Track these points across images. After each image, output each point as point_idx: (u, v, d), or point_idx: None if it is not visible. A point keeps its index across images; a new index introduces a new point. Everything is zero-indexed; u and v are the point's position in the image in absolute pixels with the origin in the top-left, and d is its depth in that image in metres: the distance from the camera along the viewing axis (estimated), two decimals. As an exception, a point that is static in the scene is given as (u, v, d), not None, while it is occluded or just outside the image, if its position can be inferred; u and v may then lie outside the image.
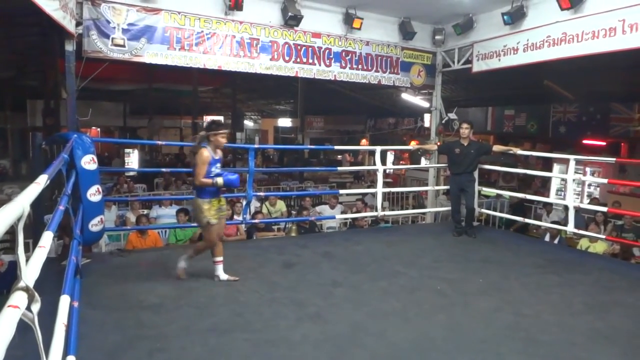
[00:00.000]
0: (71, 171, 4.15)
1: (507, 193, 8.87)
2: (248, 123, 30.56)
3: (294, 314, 3.63)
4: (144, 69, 13.35)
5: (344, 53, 7.44)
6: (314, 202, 10.08)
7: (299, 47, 7.07)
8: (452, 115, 8.24)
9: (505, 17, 6.79)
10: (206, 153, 4.07)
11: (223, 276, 4.29)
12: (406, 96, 14.22)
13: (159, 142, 7.16)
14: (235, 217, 6.96)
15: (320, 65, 7.29)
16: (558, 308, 3.91)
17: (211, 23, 6.39)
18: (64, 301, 2.06)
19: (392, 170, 17.18)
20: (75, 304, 2.68)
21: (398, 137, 19.46)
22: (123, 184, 11.92)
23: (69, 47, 5.46)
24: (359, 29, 7.29)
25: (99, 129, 22.25)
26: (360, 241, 5.90)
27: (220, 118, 22.40)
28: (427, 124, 11.26)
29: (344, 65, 7.47)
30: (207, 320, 3.47)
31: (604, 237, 6.59)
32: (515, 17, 6.74)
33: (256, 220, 6.76)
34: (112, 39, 5.80)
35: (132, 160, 20.40)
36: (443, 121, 8.30)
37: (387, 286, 4.26)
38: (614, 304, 4.07)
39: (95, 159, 4.54)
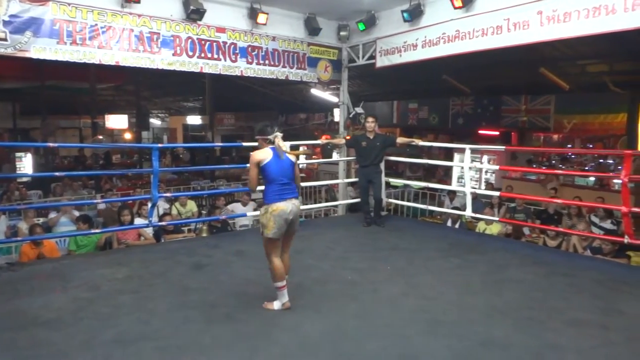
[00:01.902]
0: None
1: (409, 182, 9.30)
2: (155, 121, 29.25)
3: (205, 316, 3.54)
4: (34, 65, 12.21)
5: (250, 48, 7.34)
6: (227, 200, 9.90)
7: (203, 42, 6.87)
8: (359, 110, 8.46)
9: (404, 14, 7.07)
10: None
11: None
12: (315, 91, 14.42)
13: (51, 144, 6.59)
14: (141, 220, 6.63)
15: (226, 60, 7.14)
16: (458, 288, 4.19)
17: (106, 16, 6.00)
18: None
19: (305, 165, 17.34)
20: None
21: (309, 132, 19.71)
22: (14, 191, 10.91)
23: (-62, 41, 4.86)
24: (265, 24, 7.25)
25: (-17, 132, 20.16)
26: (273, 237, 5.87)
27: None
28: (336, 119, 11.48)
29: (250, 60, 7.38)
30: (111, 331, 3.28)
31: (497, 219, 7.15)
32: (413, 14, 7.04)
33: (163, 223, 6.50)
34: (-9, 32, 5.26)
35: (25, 164, 18.70)
36: (350, 115, 8.50)
37: (300, 280, 4.28)
38: (507, 281, 4.43)
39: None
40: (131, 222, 6.38)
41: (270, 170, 3.62)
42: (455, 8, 6.42)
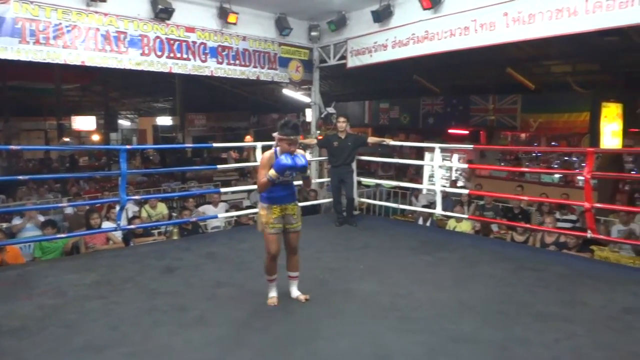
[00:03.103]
0: None
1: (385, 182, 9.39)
2: (124, 122, 28.71)
3: (176, 320, 3.48)
4: (-5, 65, 11.86)
5: (220, 48, 7.30)
6: (198, 202, 9.79)
7: (172, 42, 6.79)
8: (331, 110, 8.51)
9: (374, 15, 7.14)
10: (268, 154, 3.67)
11: (294, 293, 3.90)
12: (287, 91, 14.36)
13: (14, 147, 6.36)
14: (109, 223, 6.50)
15: (195, 60, 7.08)
16: (429, 285, 4.24)
17: (71, 14, 5.88)
18: None
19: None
20: None
21: (282, 132, 19.61)
22: (-25, 196, 10.55)
23: None
24: (235, 23, 7.22)
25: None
26: (245, 239, 5.84)
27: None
28: (309, 119, 11.49)
29: (220, 60, 7.33)
30: (79, 339, 3.19)
31: (466, 216, 7.28)
32: (383, 15, 7.11)
33: (132, 226, 6.37)
34: (-51, 31, 5.08)
35: (-13, 168, 18.06)
36: (322, 115, 8.53)
37: (272, 281, 4.28)
38: (476, 277, 4.51)
39: None
40: (99, 226, 6.23)
41: None
42: (424, 9, 6.51)
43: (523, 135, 14.16)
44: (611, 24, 5.09)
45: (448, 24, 6.43)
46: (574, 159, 13.77)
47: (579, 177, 11.75)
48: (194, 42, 7.01)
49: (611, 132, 10.09)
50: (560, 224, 7.50)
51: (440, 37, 6.57)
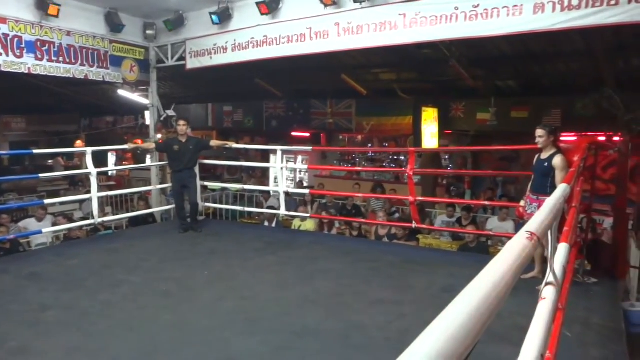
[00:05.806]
0: None
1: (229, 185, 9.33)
2: None
3: (-11, 354, 3.03)
4: None
5: (39, 43, 6.51)
6: (18, 216, 8.63)
7: (-24, 34, 5.86)
8: (171, 112, 8.17)
9: (213, 17, 7.03)
10: None
11: None
12: (123, 92, 13.40)
13: None
14: None
15: (8, 55, 6.21)
16: (274, 285, 4.36)
17: None
18: None
19: (114, 172, 16.06)
20: None
21: (119, 136, 18.18)
22: None
23: None
24: (57, 16, 6.49)
25: None
26: (76, 254, 5.31)
27: None
28: (147, 122, 10.88)
29: (40, 56, 6.54)
30: None
31: (309, 215, 7.61)
32: (222, 17, 7.04)
33: None
34: None
35: None
36: (162, 118, 8.15)
37: (108, 298, 3.97)
38: (318, 272, 4.75)
39: None
40: None
41: None
42: (262, 14, 6.62)
43: (359, 137, 15.25)
44: (425, 38, 5.78)
45: (285, 30, 6.64)
46: (402, 157, 15.28)
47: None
48: (6, 35, 6.15)
49: (430, 133, 11.43)
50: (391, 217, 8.28)
51: (278, 43, 6.75)
